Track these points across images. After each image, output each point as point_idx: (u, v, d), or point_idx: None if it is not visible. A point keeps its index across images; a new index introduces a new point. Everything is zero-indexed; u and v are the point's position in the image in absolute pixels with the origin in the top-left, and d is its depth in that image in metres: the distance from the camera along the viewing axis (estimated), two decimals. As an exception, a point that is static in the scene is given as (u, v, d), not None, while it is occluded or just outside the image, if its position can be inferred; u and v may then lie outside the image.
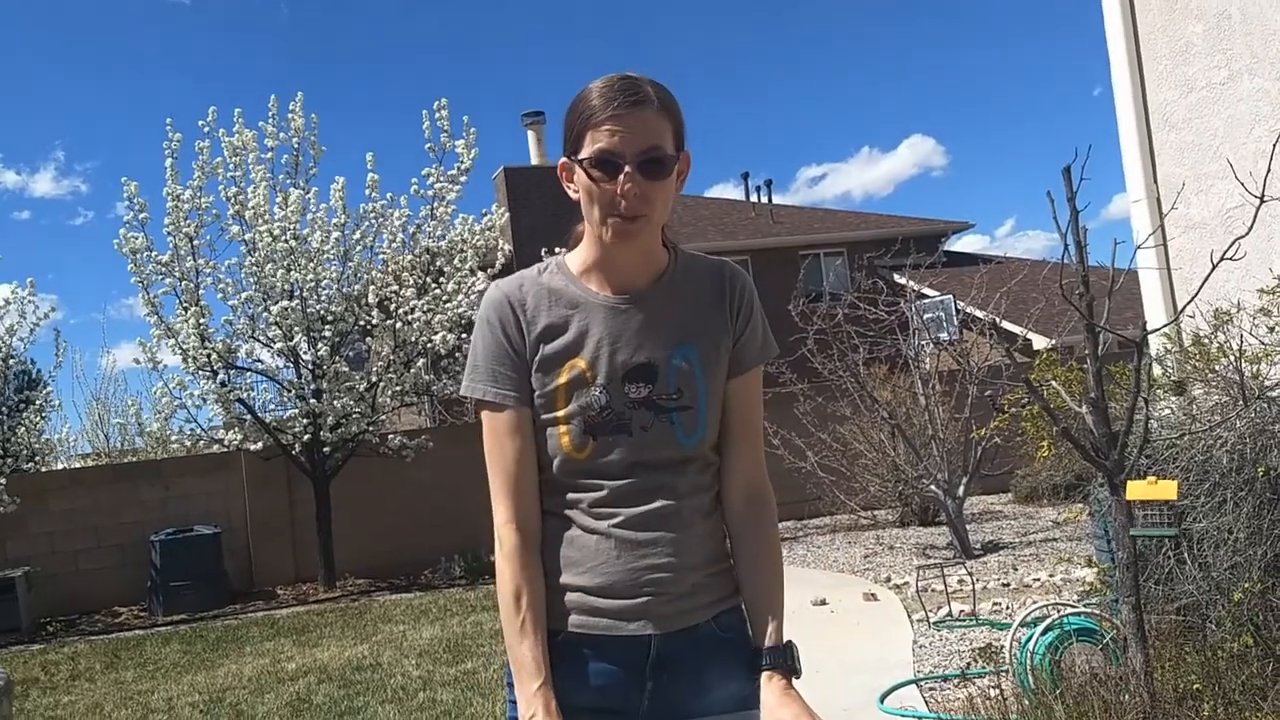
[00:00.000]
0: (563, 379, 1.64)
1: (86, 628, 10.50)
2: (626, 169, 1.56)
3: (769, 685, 1.63)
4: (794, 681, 1.65)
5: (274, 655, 7.87)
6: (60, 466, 14.58)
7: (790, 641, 1.68)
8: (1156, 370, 4.64)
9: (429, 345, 11.04)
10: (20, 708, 7.05)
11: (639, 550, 1.63)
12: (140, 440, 13.67)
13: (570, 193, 1.67)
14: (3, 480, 10.57)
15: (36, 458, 11.78)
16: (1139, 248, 4.03)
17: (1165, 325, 4.17)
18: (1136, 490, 3.53)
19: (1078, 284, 3.53)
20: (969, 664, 5.39)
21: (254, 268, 10.76)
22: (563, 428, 1.64)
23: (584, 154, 1.59)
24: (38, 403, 11.60)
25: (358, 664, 7.17)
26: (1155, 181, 5.60)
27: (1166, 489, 3.49)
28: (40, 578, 10.87)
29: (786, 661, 1.65)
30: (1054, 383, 4.17)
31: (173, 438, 11.39)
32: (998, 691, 4.85)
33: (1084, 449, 3.57)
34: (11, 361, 11.29)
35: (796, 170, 55.29)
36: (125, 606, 11.19)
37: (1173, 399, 4.44)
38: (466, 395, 1.69)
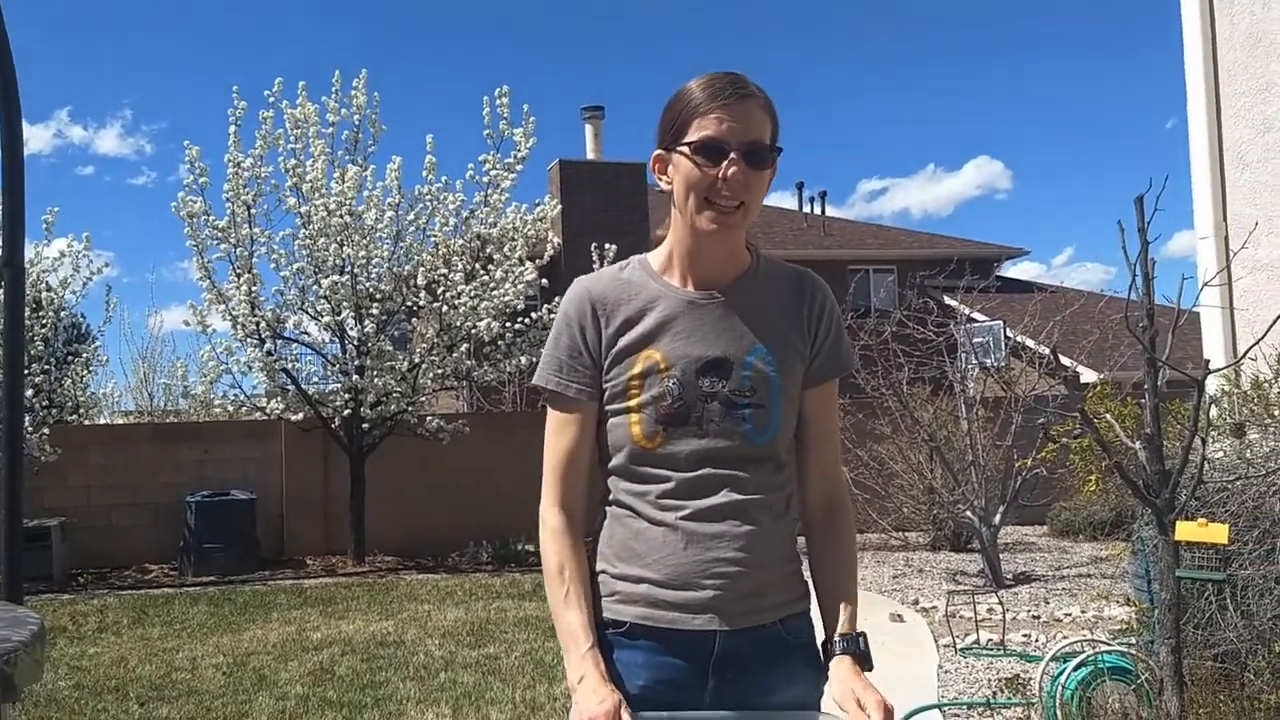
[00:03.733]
0: (637, 369, 1.65)
1: (117, 582, 10.65)
2: (732, 154, 1.58)
3: (840, 664, 1.63)
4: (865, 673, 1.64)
5: (300, 624, 7.93)
6: (103, 421, 14.79)
7: (863, 632, 1.67)
8: (1213, 411, 4.54)
9: (473, 331, 11.08)
10: (46, 655, 7.15)
11: (706, 542, 1.62)
12: (184, 401, 13.85)
13: (662, 184, 1.69)
14: (45, 430, 10.75)
15: (80, 410, 11.97)
16: (1205, 285, 3.95)
17: (1229, 365, 4.09)
18: (1186, 531, 3.46)
19: (1142, 317, 3.46)
20: (995, 693, 5.31)
21: (307, 240, 10.86)
22: (634, 416, 1.65)
23: (688, 138, 1.61)
24: (85, 356, 11.77)
25: (382, 639, 7.21)
26: (1225, 219, 5.49)
27: (1217, 532, 3.41)
28: (75, 529, 11.04)
29: (859, 648, 1.65)
30: (1108, 416, 4.09)
31: (216, 402, 11.52)
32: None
33: (1135, 485, 3.51)
34: (62, 314, 11.46)
35: (856, 182, 54.91)
36: (156, 564, 11.35)
37: (1227, 441, 4.35)
38: (537, 384, 1.71)
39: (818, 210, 26.77)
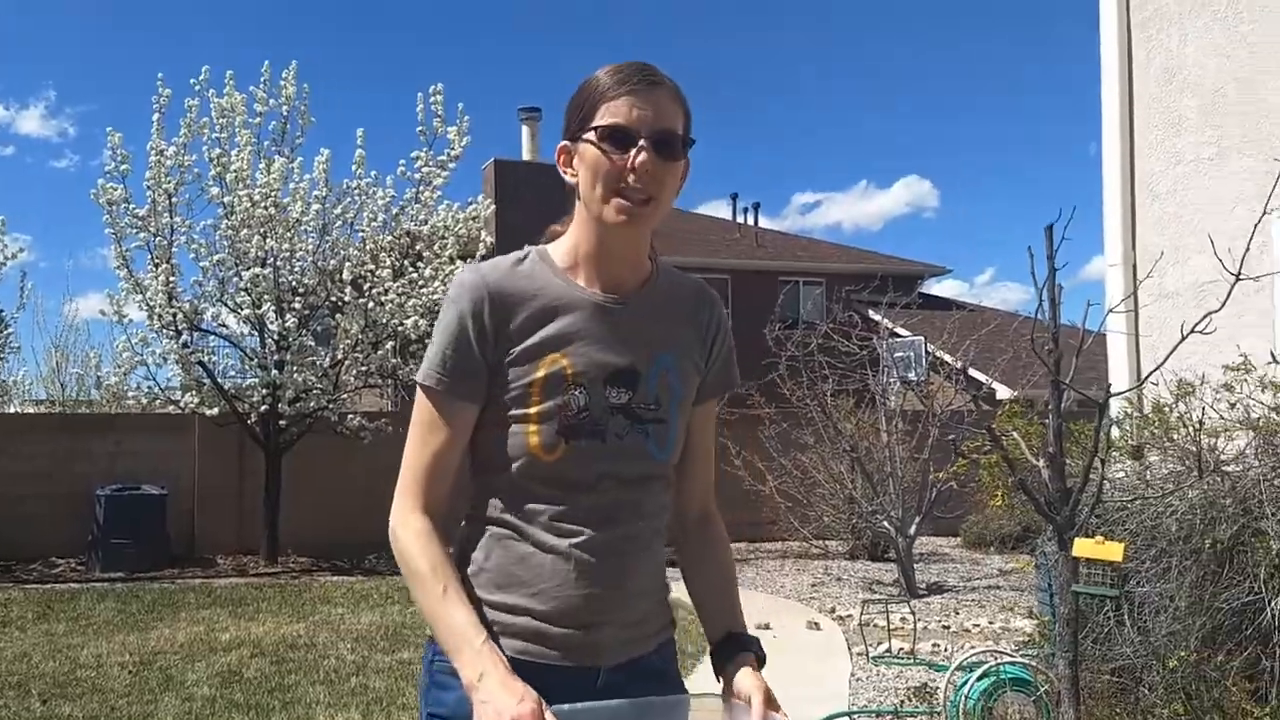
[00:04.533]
0: (540, 373, 1.51)
1: (22, 575, 10.35)
2: (642, 142, 1.48)
3: (744, 661, 1.56)
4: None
5: (209, 624, 7.78)
6: (13, 410, 14.31)
7: (756, 636, 1.63)
8: (1115, 433, 4.69)
9: (399, 329, 10.98)
10: (-57, 651, 6.93)
11: (597, 575, 1.50)
12: (96, 392, 13.46)
13: (567, 177, 1.57)
14: (-50, 418, 10.40)
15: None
16: (1111, 311, 4.09)
17: (1131, 389, 4.23)
18: (1084, 548, 3.57)
19: (1048, 340, 3.56)
20: (903, 702, 5.42)
21: (230, 231, 10.68)
22: (533, 426, 1.50)
23: (595, 123, 1.50)
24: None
25: (292, 642, 7.10)
26: (1134, 248, 5.68)
27: (1113, 550, 3.53)
28: (-21, 521, 10.70)
29: (756, 647, 1.59)
30: (1015, 434, 4.21)
31: (129, 394, 11.26)
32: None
33: (1037, 502, 3.61)
34: (-27, 299, 11.10)
35: (790, 195, 55.54)
36: (63, 558, 11.05)
37: (1128, 463, 4.50)
38: (418, 380, 1.56)
39: (751, 221, 27.02)
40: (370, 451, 11.51)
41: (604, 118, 1.49)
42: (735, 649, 1.58)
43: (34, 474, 11.23)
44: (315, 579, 10.23)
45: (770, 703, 1.49)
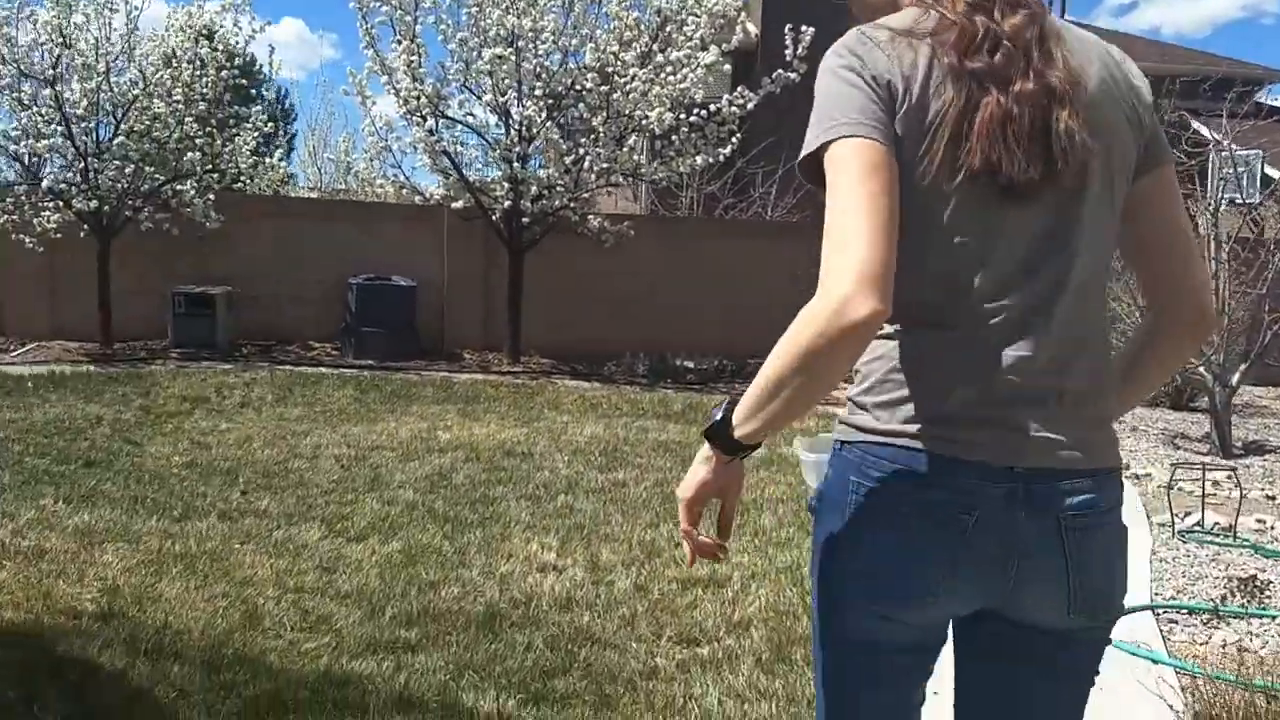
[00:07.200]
0: None
1: (280, 356, 10.56)
2: None
3: None
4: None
5: (434, 420, 7.48)
6: (269, 193, 14.55)
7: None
8: None
9: (645, 121, 10.00)
10: (179, 426, 6.95)
11: None
12: (351, 179, 13.44)
13: None
14: (211, 197, 10.50)
15: (242, 179, 11.55)
16: None
17: None
18: None
19: None
20: (1224, 597, 4.25)
21: (475, 9, 9.94)
22: None
23: None
24: (253, 123, 11.20)
25: (510, 449, 6.63)
26: None
27: None
28: (241, 299, 10.94)
29: None
30: None
31: (377, 181, 11.03)
32: (1264, 646, 3.73)
33: None
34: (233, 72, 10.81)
35: (1100, -6, 49.54)
36: (320, 342, 11.20)
37: None
38: None
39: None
40: (612, 256, 10.90)
41: None
42: None
43: (291, 257, 11.24)
44: (551, 381, 9.84)
45: None
